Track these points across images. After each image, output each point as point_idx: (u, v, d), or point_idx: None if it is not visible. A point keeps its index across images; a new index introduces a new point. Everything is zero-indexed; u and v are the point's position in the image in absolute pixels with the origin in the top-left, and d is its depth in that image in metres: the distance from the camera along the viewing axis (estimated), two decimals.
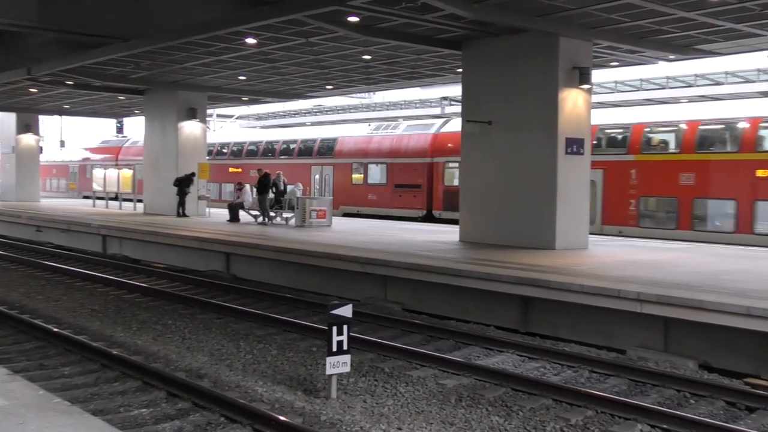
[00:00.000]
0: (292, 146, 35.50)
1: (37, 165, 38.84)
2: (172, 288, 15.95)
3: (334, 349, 8.13)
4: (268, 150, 36.48)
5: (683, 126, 22.01)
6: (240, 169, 36.04)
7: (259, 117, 55.17)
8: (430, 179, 28.53)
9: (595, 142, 20.94)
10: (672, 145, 22.47)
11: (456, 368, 9.50)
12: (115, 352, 9.78)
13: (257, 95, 28.70)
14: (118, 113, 39.14)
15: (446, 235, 19.46)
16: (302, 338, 11.33)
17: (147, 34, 19.00)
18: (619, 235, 21.40)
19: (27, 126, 37.36)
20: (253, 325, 12.25)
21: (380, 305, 13.92)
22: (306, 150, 34.44)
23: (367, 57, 19.82)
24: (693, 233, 20.74)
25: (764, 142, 20.44)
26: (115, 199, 32.87)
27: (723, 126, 21.49)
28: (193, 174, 25.90)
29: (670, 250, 16.72)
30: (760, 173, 19.91)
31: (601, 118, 22.75)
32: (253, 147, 37.62)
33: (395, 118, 38.86)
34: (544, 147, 16.20)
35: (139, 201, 30.60)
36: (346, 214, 29.94)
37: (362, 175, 31.29)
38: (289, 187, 24.29)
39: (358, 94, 44.15)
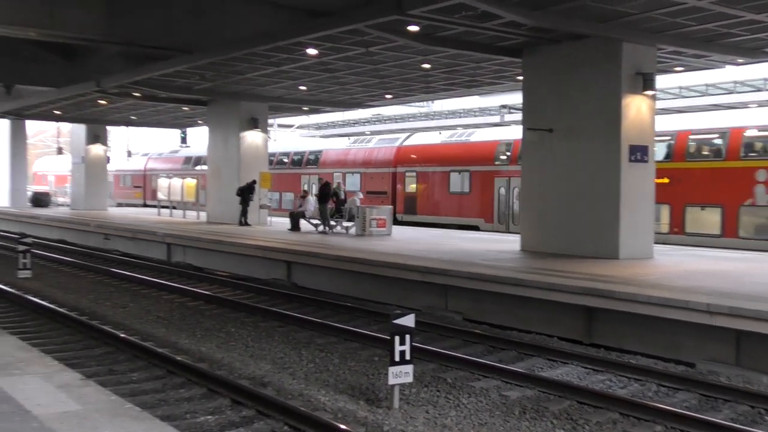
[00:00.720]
0: (296, 158, 38.34)
1: (105, 174, 39.96)
2: (234, 296, 16.17)
3: (397, 358, 8.11)
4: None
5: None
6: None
7: (318, 126, 55.63)
8: (394, 186, 32.26)
9: None
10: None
11: (519, 379, 9.38)
12: (180, 359, 9.95)
13: (317, 105, 28.98)
14: (182, 124, 39.97)
15: (506, 244, 19.29)
16: (363, 347, 11.35)
17: (210, 46, 19.39)
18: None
19: (96, 137, 38.51)
20: (315, 333, 12.32)
21: (441, 315, 13.86)
22: (298, 161, 37.73)
23: (427, 66, 19.83)
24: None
25: None
26: (178, 208, 33.52)
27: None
28: (254, 182, 26.25)
29: (738, 259, 16.24)
30: None
31: None
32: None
33: (453, 127, 38.97)
34: (606, 154, 15.93)
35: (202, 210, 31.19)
36: None
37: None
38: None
39: (417, 103, 44.14)
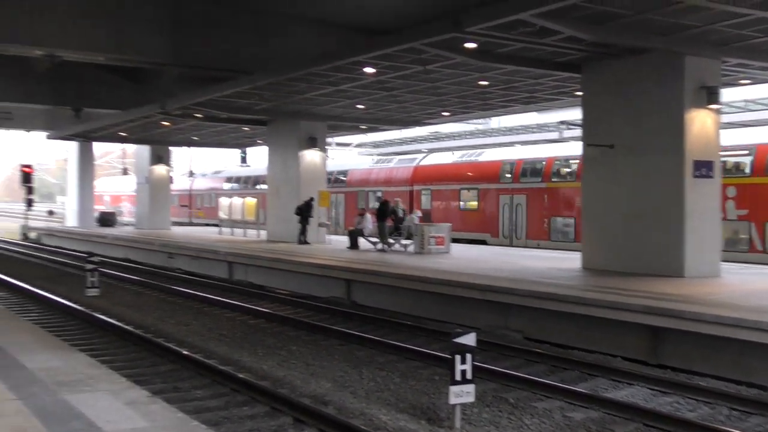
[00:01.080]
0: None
1: (168, 194, 40.88)
2: (295, 314, 16.30)
3: (458, 378, 8.04)
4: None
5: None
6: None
7: (375, 144, 55.88)
8: (411, 203, 33.45)
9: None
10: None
11: (583, 400, 9.20)
12: (243, 377, 10.06)
13: (375, 123, 29.16)
14: (242, 144, 40.67)
15: (567, 262, 19.01)
16: (424, 366, 11.30)
17: (270, 67, 19.72)
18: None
19: (159, 157, 39.47)
20: (375, 352, 12.32)
21: (501, 333, 13.71)
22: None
23: (484, 82, 19.79)
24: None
25: None
26: (240, 226, 34.00)
27: None
28: (311, 199, 26.46)
29: None
30: None
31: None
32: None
33: (511, 144, 38.79)
34: (670, 170, 15.60)
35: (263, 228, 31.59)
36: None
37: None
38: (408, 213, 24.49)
39: (475, 120, 44.04)
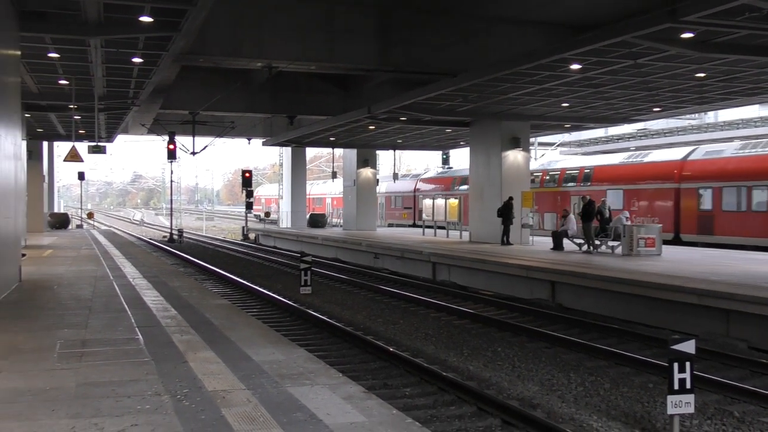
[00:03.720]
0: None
1: (374, 196, 42.26)
2: (499, 315, 16.23)
3: (676, 387, 7.61)
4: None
5: None
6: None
7: (580, 144, 54.39)
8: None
9: None
10: None
11: None
12: (450, 376, 10.16)
13: (580, 121, 28.37)
14: (444, 145, 41.16)
15: None
16: (636, 373, 10.82)
17: (473, 68, 19.79)
18: None
19: (366, 161, 40.95)
20: (583, 356, 11.98)
21: (722, 342, 12.81)
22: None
23: (701, 74, 18.57)
24: None
25: None
26: (443, 228, 34.39)
27: None
28: (510, 199, 26.17)
29: None
30: None
31: None
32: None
33: (731, 139, 35.99)
34: None
35: (465, 229, 31.76)
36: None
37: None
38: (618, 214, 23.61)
39: (688, 115, 41.57)
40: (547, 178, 37.12)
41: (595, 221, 23.37)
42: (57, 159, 48.11)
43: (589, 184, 33.99)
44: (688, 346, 7.76)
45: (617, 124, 31.91)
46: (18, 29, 13.65)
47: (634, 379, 10.49)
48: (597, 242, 23.24)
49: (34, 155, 36.25)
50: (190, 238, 49.36)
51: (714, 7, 12.24)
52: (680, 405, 7.65)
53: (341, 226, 45.62)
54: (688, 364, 7.67)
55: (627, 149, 43.35)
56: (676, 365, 7.63)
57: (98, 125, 29.02)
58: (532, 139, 36.77)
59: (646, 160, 32.30)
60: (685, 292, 13.84)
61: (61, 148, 50.59)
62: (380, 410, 5.75)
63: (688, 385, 7.65)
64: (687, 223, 29.23)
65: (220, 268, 25.95)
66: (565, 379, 10.43)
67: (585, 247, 23.36)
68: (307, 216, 48.61)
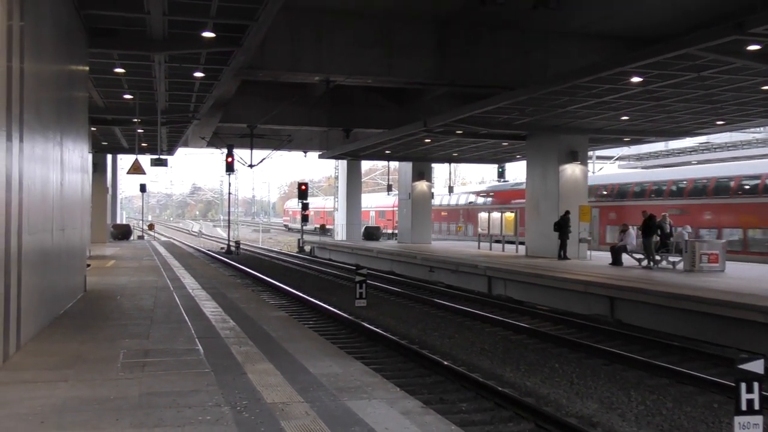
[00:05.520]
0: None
1: (429, 209, 42.17)
2: (556, 331, 16.02)
3: (744, 408, 7.38)
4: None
5: None
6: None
7: (639, 158, 53.46)
8: None
9: None
10: None
11: None
12: (507, 392, 10.05)
13: (640, 135, 27.89)
14: (500, 159, 40.89)
15: None
16: (700, 392, 10.56)
17: (531, 82, 19.65)
18: None
19: (421, 174, 40.95)
20: (644, 374, 11.74)
21: None
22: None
23: (767, 87, 18.11)
24: None
25: None
26: (499, 241, 34.14)
27: None
28: (567, 213, 25.87)
29: None
30: None
31: None
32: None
33: None
34: None
35: (521, 243, 31.45)
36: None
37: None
38: (677, 229, 23.11)
39: (753, 129, 40.51)
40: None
41: (656, 236, 22.92)
42: (120, 171, 49.37)
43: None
44: (756, 366, 7.53)
45: (679, 138, 31.29)
46: (87, 46, 14.07)
47: (698, 398, 10.23)
48: (657, 257, 22.78)
49: (99, 168, 37.24)
50: (246, 250, 49.99)
51: None
52: (748, 426, 7.41)
53: (396, 239, 45.62)
54: (756, 384, 7.45)
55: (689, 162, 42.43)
56: (743, 385, 7.41)
57: (160, 138, 29.73)
58: (590, 153, 36.32)
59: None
60: (750, 309, 13.44)
61: (124, 160, 51.97)
62: (438, 426, 5.71)
63: (757, 406, 7.42)
64: None
65: (276, 280, 26.21)
66: (625, 398, 10.23)
67: (645, 263, 22.92)
68: (362, 229, 48.78)
